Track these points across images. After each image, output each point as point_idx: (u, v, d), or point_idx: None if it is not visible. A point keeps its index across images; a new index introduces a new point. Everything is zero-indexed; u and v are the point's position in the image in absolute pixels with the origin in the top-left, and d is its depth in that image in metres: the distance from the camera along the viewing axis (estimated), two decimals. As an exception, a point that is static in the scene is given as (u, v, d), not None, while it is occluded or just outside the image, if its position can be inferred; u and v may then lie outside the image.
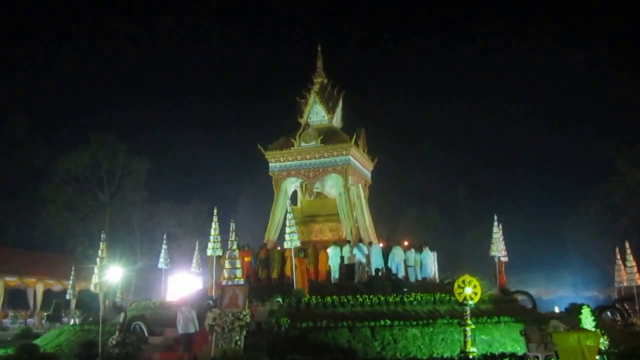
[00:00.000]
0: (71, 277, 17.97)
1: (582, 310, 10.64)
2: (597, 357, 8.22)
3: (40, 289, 26.76)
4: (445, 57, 55.66)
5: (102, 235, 12.15)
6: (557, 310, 18.40)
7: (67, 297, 18.27)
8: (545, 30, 54.34)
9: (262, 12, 58.90)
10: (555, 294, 30.90)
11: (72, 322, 17.19)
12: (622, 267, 17.31)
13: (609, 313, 15.20)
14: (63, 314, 21.93)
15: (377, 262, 14.38)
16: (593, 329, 9.44)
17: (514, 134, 46.68)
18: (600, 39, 51.16)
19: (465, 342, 9.53)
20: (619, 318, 14.53)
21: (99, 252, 11.85)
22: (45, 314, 23.75)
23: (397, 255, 14.89)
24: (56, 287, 27.08)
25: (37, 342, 13.00)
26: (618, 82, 45.50)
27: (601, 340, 9.15)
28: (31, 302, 26.94)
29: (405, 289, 13.13)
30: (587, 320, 10.37)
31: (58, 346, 12.58)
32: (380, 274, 13.77)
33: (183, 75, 56.38)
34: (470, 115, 47.62)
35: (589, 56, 50.79)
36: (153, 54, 56.17)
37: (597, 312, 12.30)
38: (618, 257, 17.65)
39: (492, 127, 46.06)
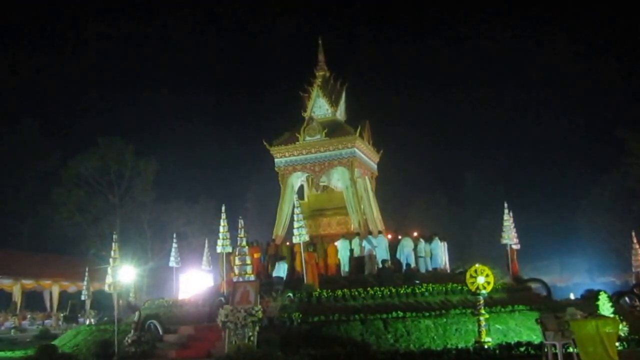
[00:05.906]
0: (85, 278, 18.22)
1: (600, 297, 10.41)
2: (617, 344, 8.02)
3: (56, 290, 27.30)
4: (451, 45, 54.72)
5: (114, 236, 12.18)
6: (572, 297, 18.15)
7: (82, 297, 18.54)
8: (554, 16, 52.94)
9: (263, 5, 58.51)
10: (570, 281, 30.51)
11: (88, 322, 17.48)
12: (639, 252, 16.93)
13: (627, 299, 14.87)
14: (79, 315, 22.39)
15: (381, 253, 14.27)
16: (611, 316, 9.22)
17: (521, 121, 45.82)
18: (608, 22, 49.67)
19: (479, 332, 9.40)
20: (637, 303, 14.21)
21: (112, 252, 11.92)
22: (62, 315, 24.31)
23: (407, 247, 14.77)
24: (71, 288, 27.61)
25: (55, 342, 13.15)
26: (627, 65, 44.28)
27: (620, 326, 8.94)
28: (48, 304, 27.52)
29: (417, 281, 13.02)
30: (605, 307, 10.14)
31: (76, 346, 12.74)
32: (386, 265, 13.65)
33: (186, 73, 56.53)
34: (477, 103, 46.84)
35: (595, 42, 49.40)
36: (156, 54, 56.37)
37: (614, 298, 12.04)
38: (635, 241, 17.27)
39: (499, 115, 45.26)
